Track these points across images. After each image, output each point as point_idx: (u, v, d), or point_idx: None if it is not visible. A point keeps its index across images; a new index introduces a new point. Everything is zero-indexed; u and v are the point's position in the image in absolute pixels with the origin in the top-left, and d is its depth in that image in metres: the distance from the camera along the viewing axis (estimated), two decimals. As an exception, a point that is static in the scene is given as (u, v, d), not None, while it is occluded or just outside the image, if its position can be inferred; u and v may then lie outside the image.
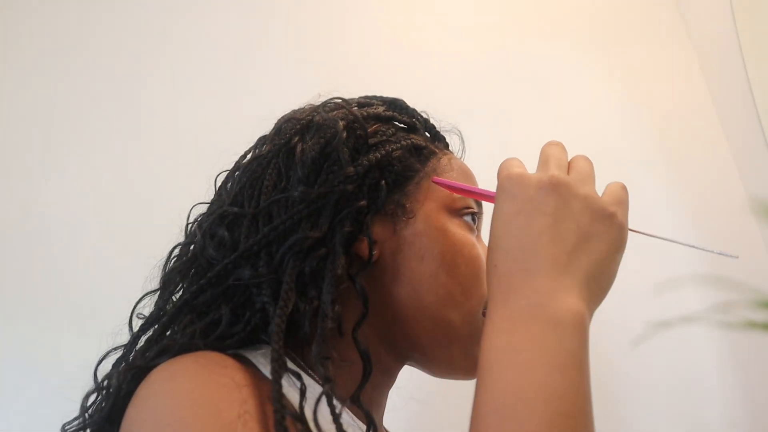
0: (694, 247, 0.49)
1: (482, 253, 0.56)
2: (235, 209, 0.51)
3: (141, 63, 1.17)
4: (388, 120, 0.59)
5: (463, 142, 0.68)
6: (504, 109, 1.19)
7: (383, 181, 0.54)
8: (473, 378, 0.47)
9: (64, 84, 1.15)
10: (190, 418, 0.37)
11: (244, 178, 0.54)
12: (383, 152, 0.54)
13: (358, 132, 0.55)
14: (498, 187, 0.47)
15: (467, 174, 0.61)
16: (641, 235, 0.51)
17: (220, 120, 1.12)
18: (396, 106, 0.62)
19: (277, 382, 0.40)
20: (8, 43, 1.17)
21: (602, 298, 0.44)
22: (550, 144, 0.50)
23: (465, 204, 0.57)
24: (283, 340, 0.44)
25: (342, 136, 0.52)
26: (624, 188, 0.51)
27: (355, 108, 0.58)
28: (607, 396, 1.00)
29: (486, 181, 1.14)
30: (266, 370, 0.45)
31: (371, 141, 0.55)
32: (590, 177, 0.49)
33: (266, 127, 0.61)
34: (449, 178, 0.58)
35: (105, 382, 0.49)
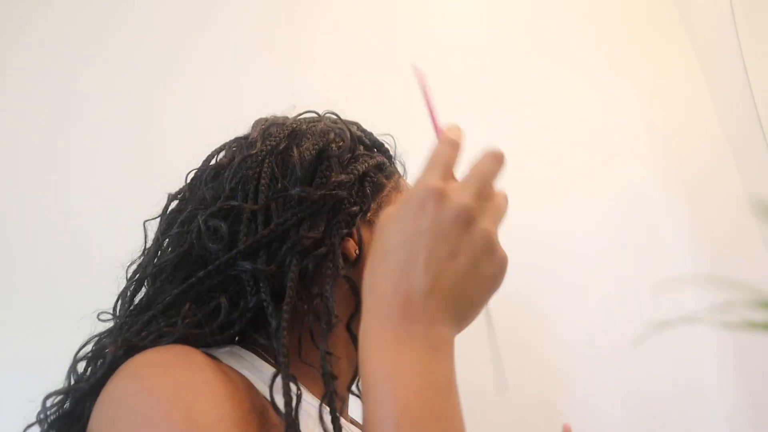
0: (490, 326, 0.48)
1: None
2: (235, 203, 0.53)
3: (146, 63, 1.17)
4: (359, 138, 0.64)
5: (404, 166, 0.73)
6: (504, 109, 1.19)
7: (368, 190, 0.58)
8: None
9: (63, 84, 1.15)
10: (165, 412, 0.39)
11: (239, 176, 0.55)
12: (366, 165, 0.59)
13: (341, 144, 0.59)
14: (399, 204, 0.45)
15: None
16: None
17: (224, 121, 1.12)
18: (360, 128, 0.67)
19: (286, 386, 0.42)
20: (9, 43, 1.17)
21: (467, 324, 0.44)
22: (488, 156, 0.45)
23: None
24: (288, 338, 0.46)
25: (336, 144, 0.57)
26: (505, 203, 0.46)
27: (331, 123, 0.62)
28: (608, 396, 1.00)
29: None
30: (239, 366, 0.48)
31: (356, 153, 0.60)
32: (490, 189, 0.44)
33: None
34: (405, 192, 0.62)
35: (98, 353, 0.50)
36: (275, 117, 0.63)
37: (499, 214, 0.44)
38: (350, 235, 0.55)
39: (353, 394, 0.60)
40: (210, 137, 0.67)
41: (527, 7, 1.27)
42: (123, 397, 0.42)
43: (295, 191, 0.52)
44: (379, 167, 0.62)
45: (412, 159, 1.12)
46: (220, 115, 1.15)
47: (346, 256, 0.55)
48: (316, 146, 0.56)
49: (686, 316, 0.76)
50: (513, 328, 1.01)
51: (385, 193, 0.61)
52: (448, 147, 0.45)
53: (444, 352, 0.40)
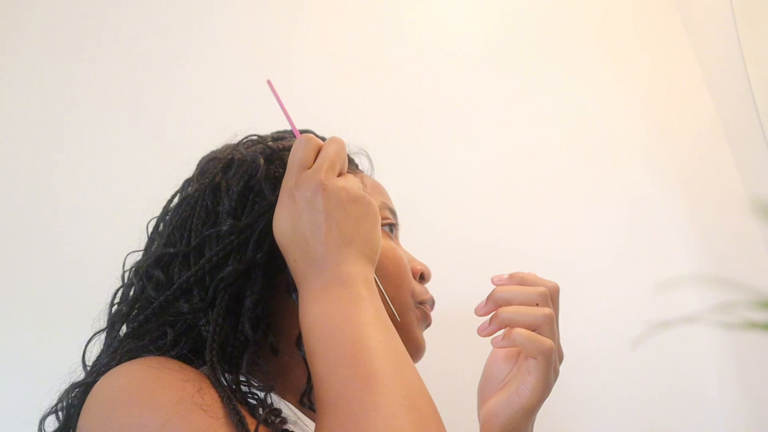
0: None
1: (404, 255, 0.65)
2: (170, 250, 0.56)
3: (143, 64, 1.17)
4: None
5: (371, 161, 0.75)
6: (502, 109, 1.19)
7: None
8: (417, 360, 0.62)
9: (65, 84, 1.15)
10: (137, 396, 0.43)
11: (175, 220, 0.58)
12: None
13: (276, 164, 0.59)
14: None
15: (378, 188, 0.68)
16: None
17: (233, 124, 1.12)
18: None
19: (231, 402, 0.45)
20: (12, 43, 1.17)
21: (376, 258, 0.54)
22: (328, 142, 0.57)
23: (384, 216, 0.64)
24: (217, 366, 0.49)
25: (263, 169, 0.58)
26: (338, 148, 0.57)
27: (271, 143, 0.63)
28: (607, 396, 1.00)
29: (493, 178, 1.13)
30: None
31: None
32: (337, 164, 0.56)
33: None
34: (369, 194, 0.63)
35: (58, 404, 0.53)
36: (216, 150, 0.64)
37: (339, 164, 0.56)
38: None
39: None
40: (210, 138, 0.67)
41: (525, 7, 1.27)
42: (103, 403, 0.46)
43: (225, 225, 0.55)
44: None
45: (412, 157, 1.12)
46: (220, 115, 1.15)
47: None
48: (244, 175, 0.58)
49: (686, 316, 0.76)
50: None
51: None
52: (303, 144, 0.55)
53: (354, 285, 0.49)
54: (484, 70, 1.21)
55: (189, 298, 0.53)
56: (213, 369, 0.48)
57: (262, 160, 0.59)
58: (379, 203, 0.62)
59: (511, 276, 0.58)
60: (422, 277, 0.67)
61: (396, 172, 1.14)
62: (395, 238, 0.67)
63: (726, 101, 1.14)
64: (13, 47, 1.16)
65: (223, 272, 0.53)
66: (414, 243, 1.06)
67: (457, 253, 1.06)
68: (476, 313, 0.57)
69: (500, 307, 0.55)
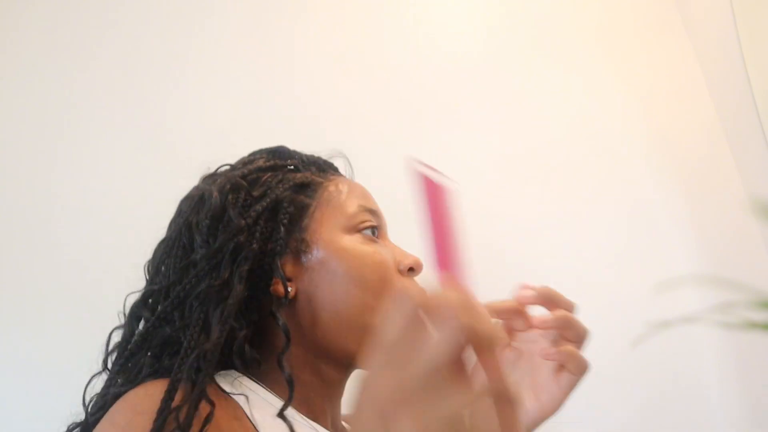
0: None
1: (387, 256, 0.63)
2: (154, 287, 0.61)
3: (142, 66, 1.17)
4: (269, 169, 0.66)
5: (349, 162, 0.75)
6: (502, 109, 1.19)
7: (281, 224, 0.61)
8: None
9: (66, 84, 1.15)
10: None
11: (158, 260, 0.63)
12: (269, 199, 0.62)
13: (241, 190, 0.62)
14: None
15: (355, 191, 0.67)
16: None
17: (233, 124, 1.12)
18: (277, 154, 0.69)
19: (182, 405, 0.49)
20: (12, 43, 1.17)
21: None
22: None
23: (360, 220, 0.64)
24: (184, 375, 0.51)
25: (224, 199, 0.60)
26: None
27: (239, 170, 0.65)
28: (607, 396, 1.00)
29: (494, 177, 1.13)
30: (228, 388, 0.56)
31: (255, 194, 0.62)
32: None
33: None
34: (339, 200, 0.64)
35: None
36: (192, 189, 0.67)
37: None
38: (273, 275, 0.60)
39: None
40: (209, 138, 0.67)
41: (525, 6, 1.27)
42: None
43: (198, 255, 0.58)
44: (298, 188, 0.64)
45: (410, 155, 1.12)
46: (219, 115, 1.15)
47: (278, 297, 0.60)
48: (210, 209, 0.60)
49: (686, 316, 0.76)
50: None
51: (309, 215, 0.63)
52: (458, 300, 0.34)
53: None
54: (484, 70, 1.21)
55: (170, 322, 0.57)
56: (175, 383, 0.50)
57: (227, 188, 0.61)
58: (354, 207, 0.64)
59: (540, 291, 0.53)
60: (412, 271, 0.66)
61: (396, 172, 1.14)
62: (380, 238, 0.67)
63: (726, 101, 1.14)
64: (13, 47, 1.16)
65: (197, 291, 0.56)
66: (414, 243, 1.06)
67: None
68: (519, 292, 0.53)
69: (547, 302, 0.53)
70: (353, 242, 0.63)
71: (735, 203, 1.09)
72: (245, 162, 0.68)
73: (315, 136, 0.81)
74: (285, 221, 0.61)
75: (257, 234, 0.60)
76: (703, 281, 0.94)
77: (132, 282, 0.68)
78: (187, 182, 0.71)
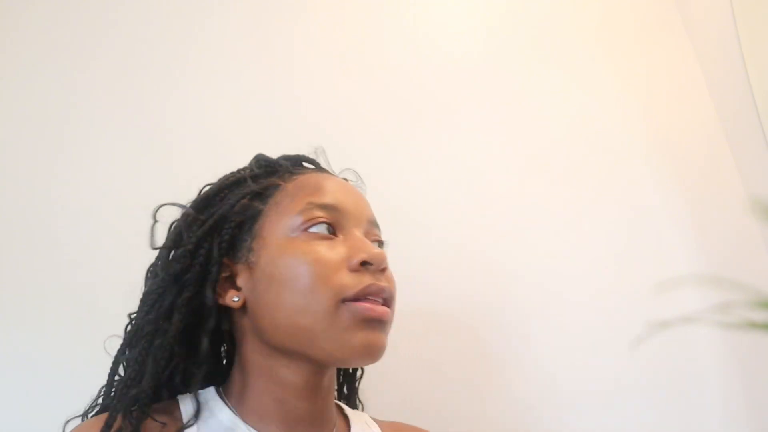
0: None
1: (327, 254, 0.60)
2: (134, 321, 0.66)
3: (142, 66, 1.17)
4: (220, 190, 0.68)
5: (319, 157, 0.75)
6: (501, 110, 1.19)
7: (222, 239, 0.63)
8: (371, 362, 0.60)
9: (65, 84, 1.15)
10: None
11: (145, 290, 0.67)
12: (214, 219, 0.64)
13: (189, 219, 0.65)
14: None
15: (306, 187, 0.66)
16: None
17: (233, 124, 1.12)
18: (234, 173, 0.70)
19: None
20: (12, 43, 1.17)
21: None
22: None
23: (306, 218, 0.62)
24: (120, 412, 0.57)
25: (185, 221, 0.65)
26: None
27: (190, 202, 0.69)
28: (607, 396, 1.00)
29: (493, 177, 1.13)
30: (184, 408, 0.61)
31: (202, 218, 0.65)
32: None
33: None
34: (287, 201, 0.64)
35: None
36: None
37: None
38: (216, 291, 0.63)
39: None
40: (209, 138, 0.67)
41: (525, 6, 1.27)
42: None
43: (146, 289, 0.64)
44: (252, 196, 0.65)
45: (412, 157, 1.12)
46: (219, 115, 1.15)
47: (232, 309, 0.63)
48: (170, 238, 0.66)
49: (686, 316, 0.76)
50: (512, 328, 1.01)
51: (260, 221, 0.64)
52: None
53: None
54: (484, 70, 1.21)
55: (123, 353, 0.63)
56: (110, 421, 0.55)
57: (185, 213, 0.66)
58: (301, 205, 0.63)
59: None
60: (366, 264, 0.60)
61: (396, 172, 1.14)
62: (340, 233, 0.63)
63: (726, 101, 1.14)
64: (13, 47, 1.16)
65: (142, 324, 0.62)
66: (414, 243, 1.06)
67: (456, 254, 1.06)
68: None
69: None
70: (294, 243, 0.61)
71: (735, 203, 1.09)
72: (213, 185, 0.72)
73: (315, 136, 0.81)
74: (227, 236, 0.63)
75: (201, 258, 0.63)
76: (703, 281, 0.94)
77: (132, 282, 0.69)
78: (187, 182, 0.71)
